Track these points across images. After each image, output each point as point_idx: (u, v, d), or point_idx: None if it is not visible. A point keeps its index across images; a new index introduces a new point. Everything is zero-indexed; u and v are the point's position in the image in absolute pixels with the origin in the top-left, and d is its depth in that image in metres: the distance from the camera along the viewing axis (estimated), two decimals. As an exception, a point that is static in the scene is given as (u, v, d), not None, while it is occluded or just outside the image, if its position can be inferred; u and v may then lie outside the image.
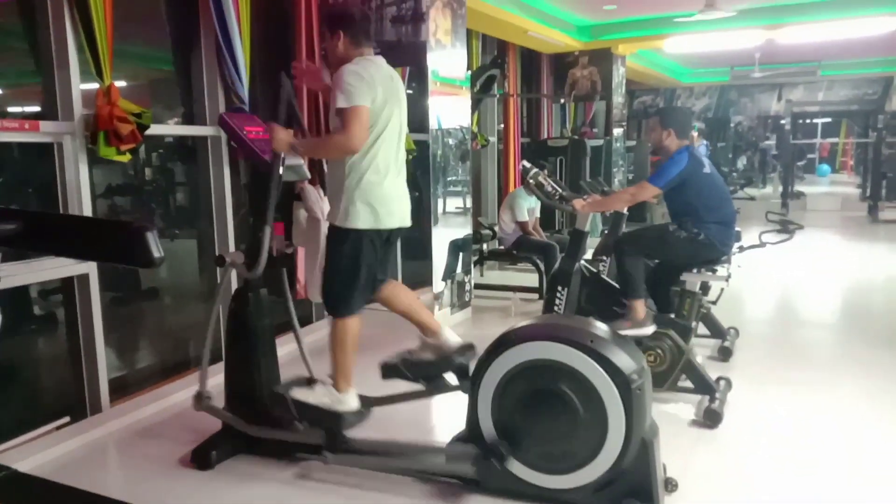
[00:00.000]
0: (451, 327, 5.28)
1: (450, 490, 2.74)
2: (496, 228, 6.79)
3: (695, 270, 3.94)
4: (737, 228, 4.00)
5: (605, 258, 4.93)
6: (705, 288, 4.34)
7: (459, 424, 2.77)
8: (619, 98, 10.12)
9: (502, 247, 6.57)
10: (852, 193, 15.70)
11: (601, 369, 2.45)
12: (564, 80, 10.07)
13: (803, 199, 14.31)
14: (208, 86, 4.22)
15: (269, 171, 2.90)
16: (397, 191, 2.92)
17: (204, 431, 3.13)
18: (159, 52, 4.46)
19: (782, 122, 16.30)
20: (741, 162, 19.91)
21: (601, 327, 2.68)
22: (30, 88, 3.74)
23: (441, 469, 2.78)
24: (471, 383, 2.69)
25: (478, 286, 6.16)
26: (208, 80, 4.21)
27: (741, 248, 4.40)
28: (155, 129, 3.60)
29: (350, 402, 2.91)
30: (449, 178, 5.53)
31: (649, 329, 3.67)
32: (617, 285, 4.07)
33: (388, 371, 3.03)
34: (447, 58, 5.28)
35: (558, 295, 4.02)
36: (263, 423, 2.97)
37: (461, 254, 5.58)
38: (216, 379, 3.14)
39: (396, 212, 2.91)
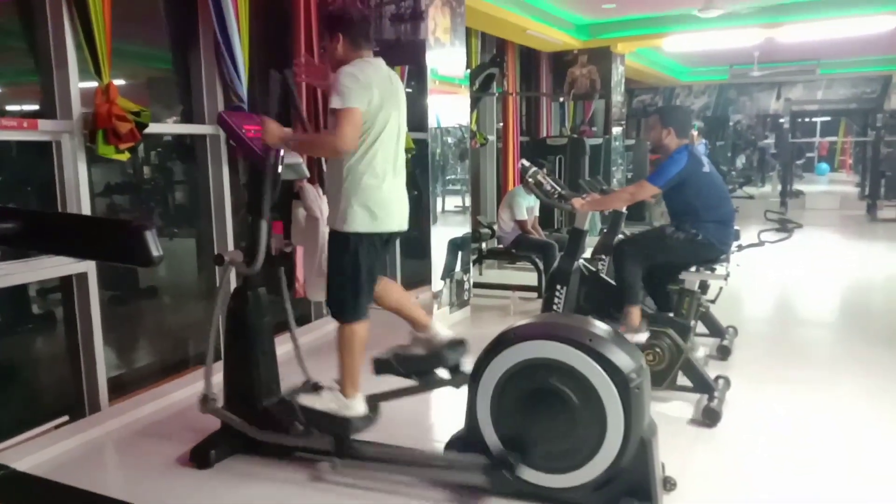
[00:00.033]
0: (451, 326, 5.31)
1: (449, 491, 2.74)
2: (495, 227, 6.79)
3: (693, 269, 3.95)
4: (735, 227, 4.00)
5: (603, 257, 4.93)
6: (704, 287, 4.34)
7: (458, 423, 2.78)
8: (618, 97, 10.12)
9: (501, 245, 6.57)
10: (851, 192, 15.71)
11: (600, 368, 2.45)
12: (563, 79, 10.08)
13: (802, 198, 14.32)
14: (207, 84, 4.21)
15: (263, 165, 2.90)
16: (396, 193, 2.92)
17: (203, 430, 3.13)
18: (158, 51, 4.45)
19: (781, 120, 16.30)
20: (740, 161, 19.92)
21: (600, 326, 2.68)
22: (28, 87, 3.73)
23: (451, 479, 2.75)
24: (469, 382, 2.69)
25: (477, 285, 6.16)
26: (207, 78, 4.21)
27: (740, 247, 4.41)
28: (154, 128, 3.60)
29: (358, 408, 2.90)
30: (448, 177, 5.53)
31: (643, 336, 3.67)
32: (615, 283, 4.08)
33: (381, 366, 3.04)
34: (446, 56, 5.27)
35: (557, 294, 4.02)
36: (262, 421, 2.97)
37: (460, 252, 5.58)
38: (215, 378, 3.14)
39: (395, 215, 2.91)
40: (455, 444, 2.79)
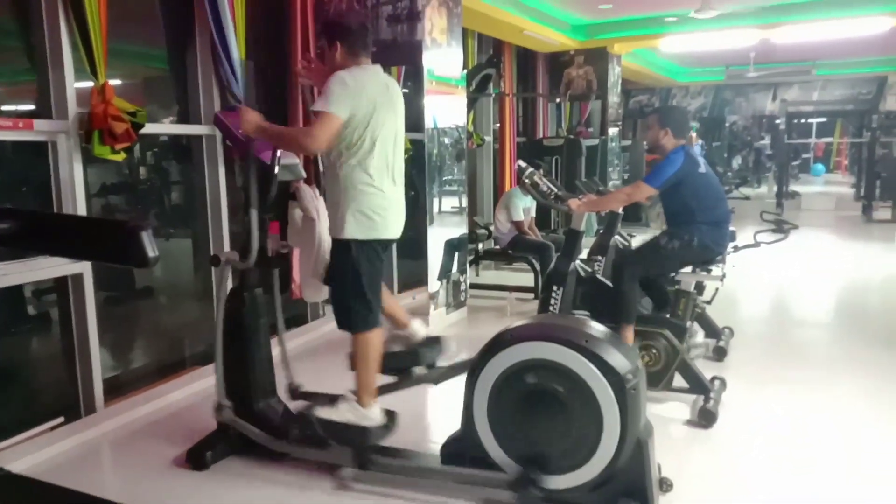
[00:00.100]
0: (447, 327, 5.32)
1: (447, 490, 2.73)
2: (492, 228, 6.79)
3: (690, 270, 3.95)
4: (731, 228, 4.00)
5: (600, 258, 4.93)
6: (700, 288, 4.35)
7: (454, 424, 2.78)
8: (614, 97, 10.13)
9: (498, 246, 6.57)
10: (847, 193, 15.76)
11: (596, 369, 2.45)
12: (560, 80, 10.08)
13: (798, 199, 14.35)
14: (203, 84, 4.21)
15: (264, 169, 2.90)
16: (395, 201, 2.91)
17: (199, 432, 3.13)
18: (154, 51, 4.45)
19: (777, 121, 16.34)
20: (736, 161, 19.95)
21: (596, 327, 2.68)
22: (24, 87, 3.72)
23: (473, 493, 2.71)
24: (466, 383, 2.69)
25: (473, 286, 6.17)
26: (203, 78, 4.20)
27: (736, 248, 4.41)
28: (150, 128, 3.59)
29: (375, 417, 2.89)
30: (444, 178, 5.53)
31: None
32: (612, 285, 4.08)
33: None
34: (443, 57, 5.27)
35: (553, 294, 4.02)
36: (257, 423, 2.96)
37: (457, 253, 5.58)
38: (211, 380, 3.13)
39: (393, 222, 2.91)
40: (451, 445, 2.79)
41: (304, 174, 3.34)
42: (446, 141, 5.50)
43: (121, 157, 3.42)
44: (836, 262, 8.34)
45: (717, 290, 4.40)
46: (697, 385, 3.63)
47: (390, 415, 2.96)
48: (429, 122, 5.19)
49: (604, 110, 10.00)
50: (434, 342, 3.12)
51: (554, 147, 8.99)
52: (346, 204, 2.80)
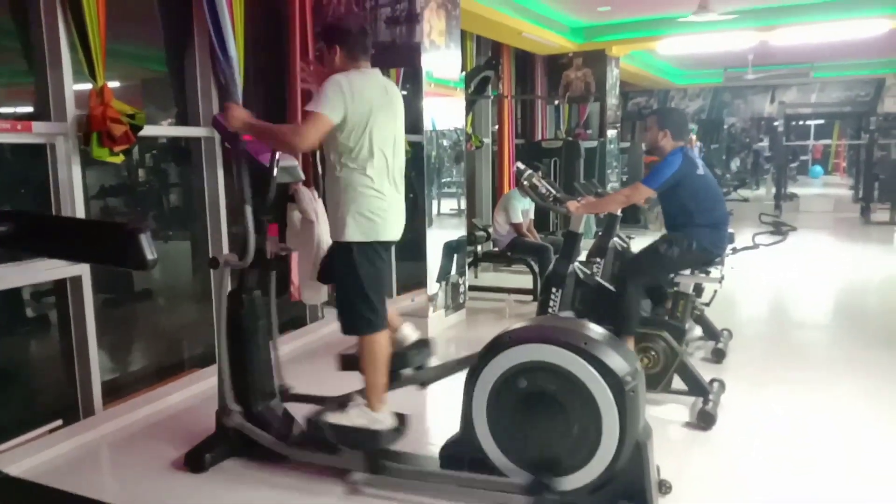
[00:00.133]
0: (446, 329, 5.32)
1: (444, 490, 2.73)
2: (490, 230, 6.79)
3: (688, 272, 3.95)
4: (730, 230, 4.00)
5: (598, 260, 4.93)
6: (699, 290, 4.35)
7: (453, 426, 2.77)
8: (612, 99, 10.14)
9: (496, 248, 6.57)
10: (845, 195, 15.78)
11: (595, 371, 2.45)
12: (558, 82, 10.09)
13: (796, 201, 14.36)
14: (202, 86, 4.20)
15: (264, 171, 2.90)
16: (394, 202, 2.91)
17: (198, 434, 3.12)
18: (153, 52, 4.45)
19: (775, 123, 16.37)
20: (734, 163, 19.96)
21: (595, 329, 2.68)
22: (22, 89, 3.72)
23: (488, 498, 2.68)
24: (465, 385, 2.69)
25: (472, 288, 6.17)
26: (202, 80, 4.20)
27: (734, 250, 4.41)
28: (148, 130, 3.59)
29: (386, 420, 2.89)
30: (443, 180, 5.53)
31: None
32: (611, 287, 4.08)
33: (347, 363, 3.05)
34: (441, 59, 5.28)
35: (552, 296, 4.02)
36: (256, 425, 2.96)
37: (455, 255, 5.58)
38: (210, 382, 3.13)
39: (393, 224, 2.91)
40: (450, 447, 2.79)
41: (302, 176, 3.34)
42: (445, 143, 5.50)
43: (119, 159, 3.41)
44: (834, 263, 8.35)
45: (715, 291, 4.41)
46: (696, 387, 3.63)
47: (401, 418, 2.95)
48: (427, 125, 5.19)
49: (602, 112, 10.01)
50: (422, 345, 3.14)
51: (552, 149, 8.99)
52: (346, 206, 2.81)
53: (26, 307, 3.76)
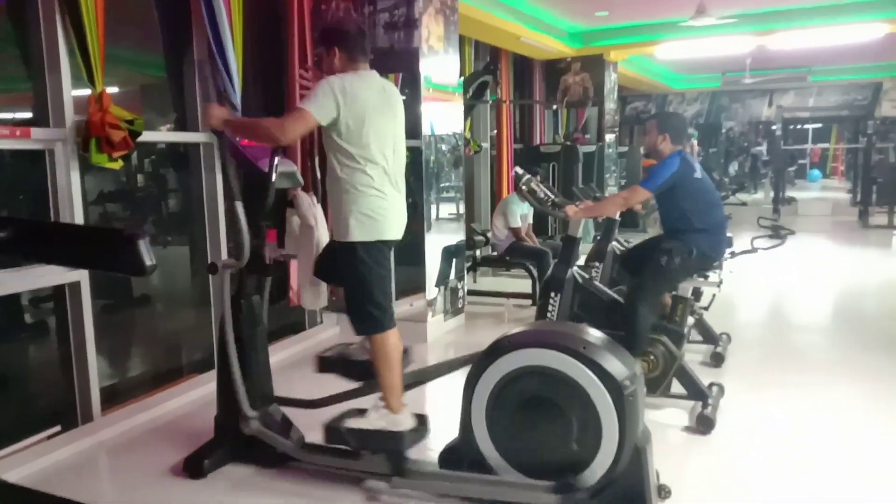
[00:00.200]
0: (445, 333, 5.32)
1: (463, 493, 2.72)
2: (489, 234, 6.79)
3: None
4: (728, 234, 4.01)
5: (597, 264, 4.94)
6: (697, 293, 4.35)
7: (452, 431, 2.77)
8: (610, 104, 10.16)
9: (495, 253, 6.57)
10: (843, 198, 15.81)
11: (594, 376, 2.45)
12: (557, 86, 10.11)
13: (794, 205, 14.39)
14: (200, 92, 4.21)
15: (261, 177, 2.91)
16: (395, 202, 2.92)
17: (196, 440, 3.12)
18: (151, 58, 4.45)
19: (773, 127, 16.40)
20: (733, 167, 20.00)
21: (594, 333, 2.68)
22: (21, 94, 3.72)
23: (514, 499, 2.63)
24: (464, 390, 2.69)
25: (471, 292, 6.17)
26: (200, 86, 4.20)
27: (733, 254, 4.42)
28: (147, 136, 3.59)
29: (406, 422, 2.87)
30: (442, 184, 5.53)
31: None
32: (609, 291, 4.08)
33: (326, 365, 3.05)
34: (440, 64, 5.29)
35: (551, 301, 4.01)
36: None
37: (454, 260, 5.58)
38: (208, 388, 3.13)
39: (394, 223, 2.91)
40: (449, 453, 2.79)
41: (301, 181, 3.34)
42: (444, 148, 5.50)
43: (118, 164, 3.41)
44: (832, 267, 8.35)
45: (714, 295, 4.41)
46: (695, 391, 3.63)
47: (421, 419, 2.94)
48: (426, 129, 5.19)
49: (600, 117, 10.03)
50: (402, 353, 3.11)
51: (551, 153, 9.00)
52: (347, 207, 2.81)
53: (25, 313, 3.76)
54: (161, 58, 4.43)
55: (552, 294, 4.02)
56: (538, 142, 9.95)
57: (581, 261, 4.81)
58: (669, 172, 3.73)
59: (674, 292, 4.00)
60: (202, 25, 3.96)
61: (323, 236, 4.04)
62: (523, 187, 5.00)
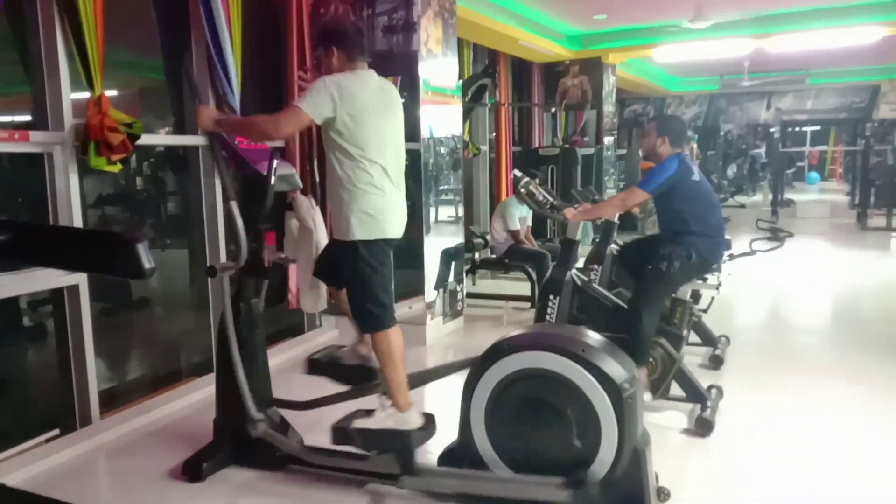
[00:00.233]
0: (444, 336, 5.32)
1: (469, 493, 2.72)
2: (488, 237, 6.79)
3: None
4: (727, 237, 4.01)
5: (596, 266, 4.93)
6: (696, 296, 4.35)
7: (451, 434, 2.77)
8: (609, 107, 10.17)
9: (494, 255, 6.57)
10: (841, 201, 15.83)
11: (593, 378, 2.45)
12: (555, 89, 10.12)
13: (793, 207, 14.39)
14: (190, 97, 4.20)
15: (260, 180, 2.91)
16: (395, 201, 2.92)
17: (195, 443, 3.11)
18: (150, 61, 4.45)
19: (772, 130, 16.43)
20: (731, 170, 20.02)
21: (592, 336, 2.68)
22: (20, 97, 3.72)
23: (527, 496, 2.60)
24: (463, 392, 2.69)
25: (470, 295, 6.16)
26: (187, 92, 4.20)
27: (731, 256, 4.42)
28: (146, 139, 3.59)
29: (414, 420, 2.86)
30: (441, 187, 5.54)
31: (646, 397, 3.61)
32: (608, 293, 4.08)
33: (315, 367, 3.06)
34: (438, 67, 5.29)
35: (550, 304, 4.01)
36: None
37: (453, 262, 5.58)
38: (207, 391, 3.13)
39: (395, 222, 2.92)
40: (449, 455, 2.79)
41: (300, 184, 3.35)
42: (442, 150, 5.51)
43: (117, 168, 3.41)
44: (831, 269, 8.36)
45: (712, 298, 4.41)
46: (694, 394, 3.63)
47: (428, 417, 2.93)
48: (425, 132, 5.20)
49: (599, 119, 10.04)
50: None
51: (550, 156, 9.02)
52: (348, 206, 2.82)
53: (23, 316, 3.76)
54: (160, 61, 4.43)
55: (551, 297, 4.02)
56: (537, 144, 9.96)
57: (580, 263, 4.81)
58: (667, 174, 3.74)
59: (672, 295, 4.00)
60: (201, 28, 3.96)
61: (322, 239, 4.04)
62: (522, 190, 5.01)
